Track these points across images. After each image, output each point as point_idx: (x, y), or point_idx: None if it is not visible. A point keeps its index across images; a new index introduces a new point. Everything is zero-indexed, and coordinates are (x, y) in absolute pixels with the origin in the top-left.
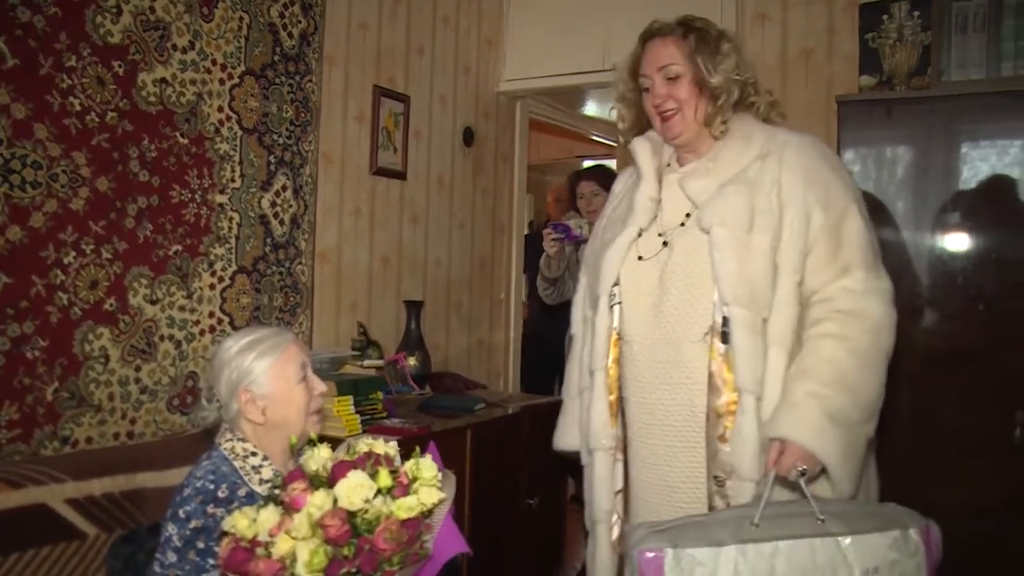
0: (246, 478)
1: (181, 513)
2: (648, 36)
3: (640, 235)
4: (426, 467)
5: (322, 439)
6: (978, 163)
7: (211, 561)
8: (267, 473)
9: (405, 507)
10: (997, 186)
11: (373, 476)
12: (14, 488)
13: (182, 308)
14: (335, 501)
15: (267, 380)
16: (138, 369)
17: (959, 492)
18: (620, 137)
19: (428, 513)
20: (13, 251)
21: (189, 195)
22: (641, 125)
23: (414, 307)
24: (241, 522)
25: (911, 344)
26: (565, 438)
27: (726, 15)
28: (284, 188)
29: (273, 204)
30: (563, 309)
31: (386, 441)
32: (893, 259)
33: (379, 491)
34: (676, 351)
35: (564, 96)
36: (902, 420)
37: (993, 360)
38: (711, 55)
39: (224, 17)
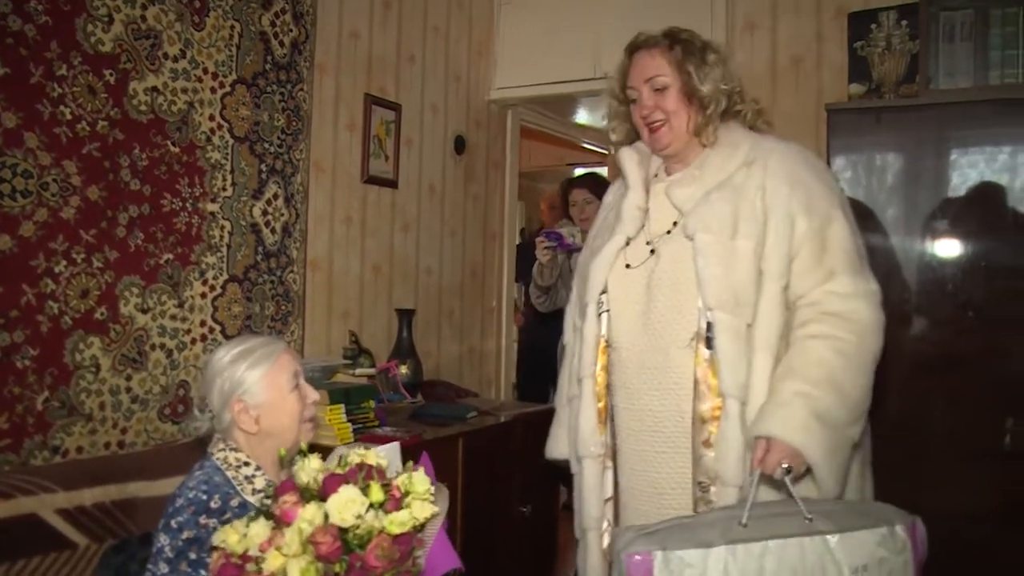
0: (239, 488)
1: (173, 523)
2: (634, 48)
3: (628, 244)
4: (419, 480)
5: (314, 448)
6: (967, 170)
7: (203, 572)
8: (260, 483)
9: (398, 522)
10: (986, 193)
11: (365, 490)
12: (4, 499)
13: (173, 317)
14: (326, 516)
15: (260, 390)
16: (129, 378)
17: (949, 498)
18: (612, 148)
19: (420, 527)
20: (3, 260)
21: (180, 204)
22: (632, 138)
23: (405, 315)
24: (231, 537)
25: (900, 350)
26: (557, 447)
27: (716, 24)
28: (275, 196)
29: (264, 212)
30: (557, 317)
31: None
32: (882, 265)
33: (371, 505)
34: (664, 357)
35: (555, 104)
36: (892, 426)
37: (982, 367)
38: (698, 65)
39: (215, 26)
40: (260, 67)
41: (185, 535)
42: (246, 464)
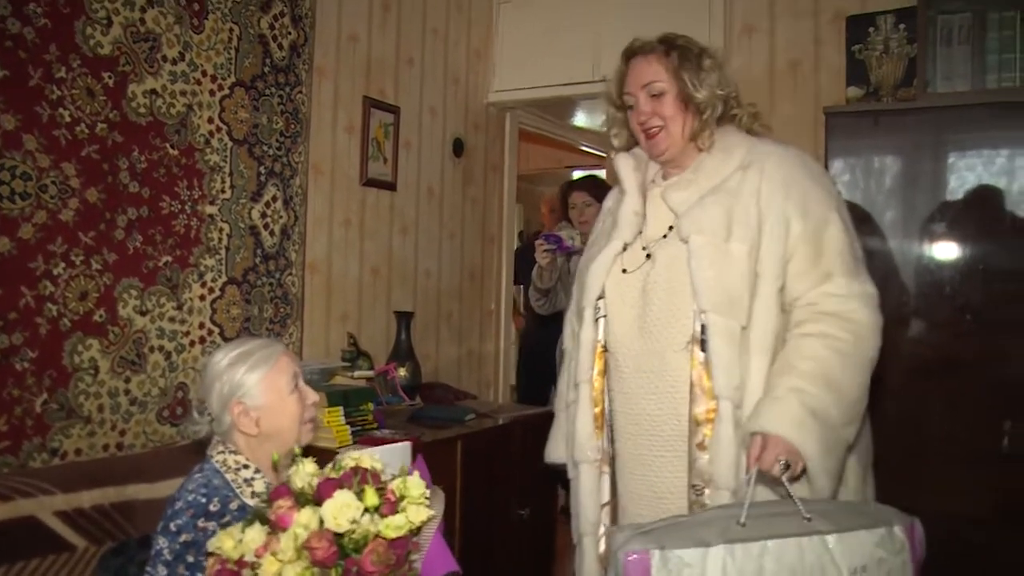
0: (238, 491)
1: (172, 526)
2: (630, 54)
3: (625, 249)
4: (414, 484)
5: (312, 451)
6: (965, 173)
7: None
8: (259, 486)
9: (393, 526)
10: (984, 196)
11: (359, 495)
12: (2, 501)
13: (172, 319)
14: (321, 520)
15: (259, 392)
16: (128, 380)
17: (947, 500)
18: (611, 151)
19: (416, 531)
20: (2, 262)
21: (179, 206)
22: (633, 144)
23: (404, 318)
24: (227, 543)
25: (899, 353)
26: (556, 451)
27: (714, 27)
28: (274, 199)
29: (263, 215)
30: (557, 320)
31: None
32: (880, 268)
33: (366, 510)
34: (660, 361)
35: (553, 106)
36: (890, 429)
37: (980, 369)
38: (695, 71)
39: (214, 28)
40: (259, 70)
41: (183, 538)
42: (246, 467)
